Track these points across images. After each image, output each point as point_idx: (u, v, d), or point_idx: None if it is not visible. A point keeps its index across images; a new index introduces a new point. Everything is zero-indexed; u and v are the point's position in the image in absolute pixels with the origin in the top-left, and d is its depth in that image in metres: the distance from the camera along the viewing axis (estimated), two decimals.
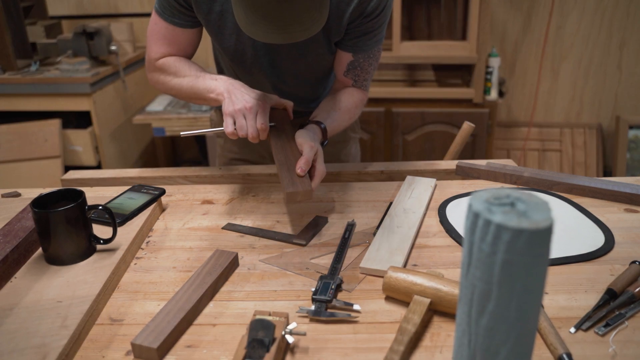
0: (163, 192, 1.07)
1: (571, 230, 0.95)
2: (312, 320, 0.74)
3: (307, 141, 1.00)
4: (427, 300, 0.73)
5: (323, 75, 1.22)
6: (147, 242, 0.96)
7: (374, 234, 0.94)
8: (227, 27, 1.08)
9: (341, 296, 0.79)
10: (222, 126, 1.39)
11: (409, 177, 1.15)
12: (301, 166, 0.95)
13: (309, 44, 1.09)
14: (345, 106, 1.16)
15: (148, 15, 3.13)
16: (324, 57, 1.14)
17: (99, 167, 2.67)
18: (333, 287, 0.78)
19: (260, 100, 0.99)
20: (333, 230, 0.98)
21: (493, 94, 2.58)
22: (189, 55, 1.18)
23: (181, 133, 1.03)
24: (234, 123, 0.99)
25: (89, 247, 0.86)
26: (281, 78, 1.18)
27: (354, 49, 1.12)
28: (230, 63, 1.19)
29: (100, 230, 0.91)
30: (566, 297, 0.77)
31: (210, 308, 0.77)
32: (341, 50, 1.14)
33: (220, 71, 1.29)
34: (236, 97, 0.99)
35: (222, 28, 1.09)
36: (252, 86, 1.09)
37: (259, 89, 1.06)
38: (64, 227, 0.82)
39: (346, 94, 1.18)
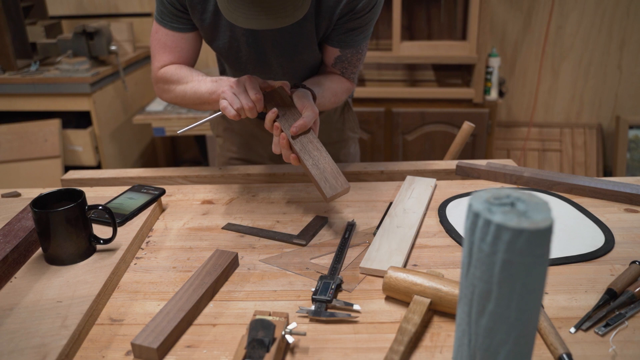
0: (163, 192, 1.07)
1: (571, 230, 0.95)
2: (312, 320, 0.74)
3: (309, 105, 0.98)
4: (427, 300, 0.72)
5: (314, 68, 1.22)
6: (147, 242, 0.96)
7: (374, 234, 0.94)
8: (221, 26, 1.08)
9: (341, 296, 0.79)
10: (222, 124, 1.39)
11: (409, 177, 1.15)
12: (297, 126, 0.94)
13: (302, 40, 1.09)
14: (333, 88, 1.16)
15: (148, 15, 3.14)
16: (316, 53, 1.14)
17: (99, 167, 2.67)
18: (333, 287, 0.78)
19: (249, 76, 0.98)
20: (333, 230, 0.98)
21: (493, 94, 2.58)
22: (191, 62, 1.18)
23: (178, 132, 1.02)
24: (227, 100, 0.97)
25: (89, 247, 0.86)
26: (276, 75, 1.18)
27: (341, 44, 1.12)
28: (227, 61, 1.19)
29: (100, 230, 0.91)
30: (566, 297, 0.77)
31: (210, 308, 0.77)
32: (329, 45, 1.14)
33: (223, 71, 1.29)
34: (229, 82, 0.99)
35: (217, 26, 1.09)
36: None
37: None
38: (64, 227, 0.82)
39: (335, 78, 1.19)
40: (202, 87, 1.07)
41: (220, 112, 1.00)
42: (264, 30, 1.08)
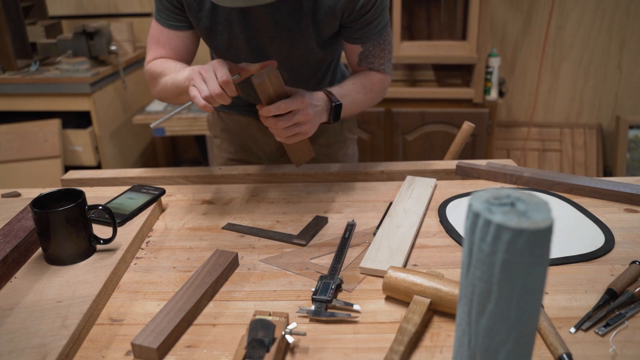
0: (163, 192, 1.07)
1: (571, 230, 0.95)
2: (312, 320, 0.74)
3: (299, 91, 0.98)
4: (427, 300, 0.72)
5: (316, 68, 1.22)
6: (147, 242, 0.96)
7: (374, 234, 0.94)
8: (218, 24, 1.08)
9: (341, 296, 0.79)
10: (219, 124, 1.38)
11: (409, 177, 1.15)
12: (277, 106, 0.93)
13: (299, 37, 1.09)
14: (360, 81, 1.17)
15: (148, 15, 3.14)
16: (314, 50, 1.14)
17: (99, 167, 2.67)
18: (333, 287, 0.78)
19: (219, 60, 0.93)
20: (333, 230, 0.98)
21: (493, 94, 2.58)
22: (184, 60, 1.16)
23: (150, 125, 0.95)
24: (196, 88, 0.92)
25: (89, 247, 0.86)
26: None
27: (361, 40, 1.13)
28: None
29: (100, 230, 0.91)
30: (566, 297, 0.77)
31: (210, 308, 0.77)
32: (349, 43, 1.14)
33: None
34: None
35: (214, 25, 1.08)
36: (247, 84, 1.06)
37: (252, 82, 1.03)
38: (64, 227, 0.82)
39: (362, 74, 1.19)
40: (179, 76, 1.01)
41: (190, 103, 0.94)
42: (262, 27, 1.08)
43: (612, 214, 1.01)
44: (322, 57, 1.19)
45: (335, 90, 1.11)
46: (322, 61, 1.21)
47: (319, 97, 1.05)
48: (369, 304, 0.77)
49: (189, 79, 0.96)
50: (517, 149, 3.04)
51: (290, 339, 0.67)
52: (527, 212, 0.44)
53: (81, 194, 0.85)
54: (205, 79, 0.90)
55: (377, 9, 1.07)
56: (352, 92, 1.14)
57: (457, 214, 1.01)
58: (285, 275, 0.85)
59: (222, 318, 0.75)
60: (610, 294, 0.75)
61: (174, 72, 1.06)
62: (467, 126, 1.30)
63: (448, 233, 0.96)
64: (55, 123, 2.57)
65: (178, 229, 1.01)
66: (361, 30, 1.10)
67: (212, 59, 1.28)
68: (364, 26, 1.09)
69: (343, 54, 1.26)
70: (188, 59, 1.18)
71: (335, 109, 1.06)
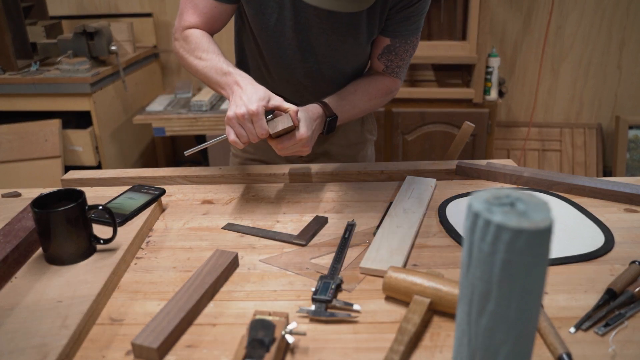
0: (163, 192, 1.07)
1: (571, 230, 0.95)
2: (312, 320, 0.74)
3: (299, 126, 1.00)
4: (427, 300, 0.73)
5: (358, 67, 1.22)
6: (147, 242, 0.96)
7: (374, 234, 0.94)
8: (268, 6, 1.08)
9: (341, 296, 0.79)
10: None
11: (409, 177, 1.15)
12: (279, 142, 0.98)
13: (351, 30, 1.10)
14: (364, 87, 1.17)
15: (148, 15, 3.14)
16: (361, 46, 1.15)
17: (99, 167, 2.68)
18: (333, 287, 0.78)
19: (257, 104, 0.95)
20: (333, 230, 0.98)
21: (493, 94, 2.58)
22: (216, 30, 1.17)
23: (185, 152, 1.04)
24: (234, 131, 0.98)
25: (89, 247, 0.86)
26: (316, 65, 1.17)
27: (393, 34, 1.14)
28: (264, 46, 1.17)
29: (101, 230, 0.91)
30: (566, 297, 0.77)
31: (210, 308, 0.77)
32: (380, 35, 1.15)
33: (241, 61, 1.27)
34: (235, 102, 0.97)
35: (264, 7, 1.08)
36: (282, 73, 1.06)
37: (289, 75, 1.04)
38: (64, 227, 0.82)
39: (371, 78, 1.19)
40: (213, 74, 1.06)
41: (224, 136, 1.00)
42: (313, 16, 1.08)
43: (612, 214, 1.01)
44: (366, 54, 1.19)
45: (334, 99, 1.12)
46: (364, 59, 1.21)
47: (315, 116, 1.06)
48: (369, 304, 0.77)
49: (225, 88, 1.03)
50: (517, 149, 3.05)
51: (290, 339, 0.67)
52: (527, 212, 0.45)
53: (81, 194, 0.85)
54: (244, 126, 0.96)
55: (419, 7, 1.09)
56: (354, 100, 1.15)
57: (457, 214, 1.02)
58: (285, 275, 0.85)
59: (222, 318, 0.75)
60: (610, 294, 0.75)
61: (208, 62, 1.07)
62: (467, 126, 1.30)
63: (448, 233, 0.96)
64: (56, 123, 2.58)
65: (178, 229, 1.01)
66: (397, 24, 1.11)
67: (238, 34, 1.24)
68: (402, 20, 1.11)
69: None
70: (220, 29, 1.18)
71: (329, 122, 1.10)
